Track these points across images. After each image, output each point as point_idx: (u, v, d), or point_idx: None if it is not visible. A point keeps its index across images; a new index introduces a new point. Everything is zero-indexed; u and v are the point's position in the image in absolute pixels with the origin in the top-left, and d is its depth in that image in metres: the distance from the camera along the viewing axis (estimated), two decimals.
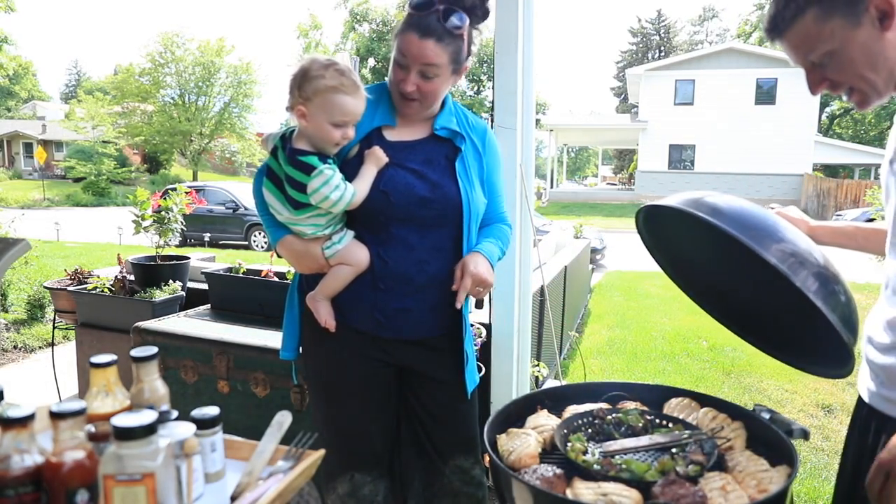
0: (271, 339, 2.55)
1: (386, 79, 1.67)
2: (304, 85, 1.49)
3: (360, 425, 1.70)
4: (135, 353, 1.08)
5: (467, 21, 1.54)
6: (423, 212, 1.60)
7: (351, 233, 1.62)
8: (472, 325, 1.83)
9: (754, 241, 1.10)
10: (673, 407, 1.45)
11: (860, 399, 1.35)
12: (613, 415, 1.39)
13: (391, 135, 1.65)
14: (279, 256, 1.68)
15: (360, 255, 1.59)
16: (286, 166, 1.52)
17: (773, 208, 1.52)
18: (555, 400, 1.49)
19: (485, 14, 1.58)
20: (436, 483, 1.77)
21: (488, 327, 2.54)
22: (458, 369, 1.73)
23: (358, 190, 1.54)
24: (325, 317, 1.63)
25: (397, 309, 1.63)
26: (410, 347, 1.70)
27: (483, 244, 1.66)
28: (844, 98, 1.22)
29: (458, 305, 1.57)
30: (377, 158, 1.58)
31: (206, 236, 13.48)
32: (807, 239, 1.17)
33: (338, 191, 1.49)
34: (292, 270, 3.03)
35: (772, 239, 1.12)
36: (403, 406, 1.78)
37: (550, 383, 3.26)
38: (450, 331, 1.71)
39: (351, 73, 1.51)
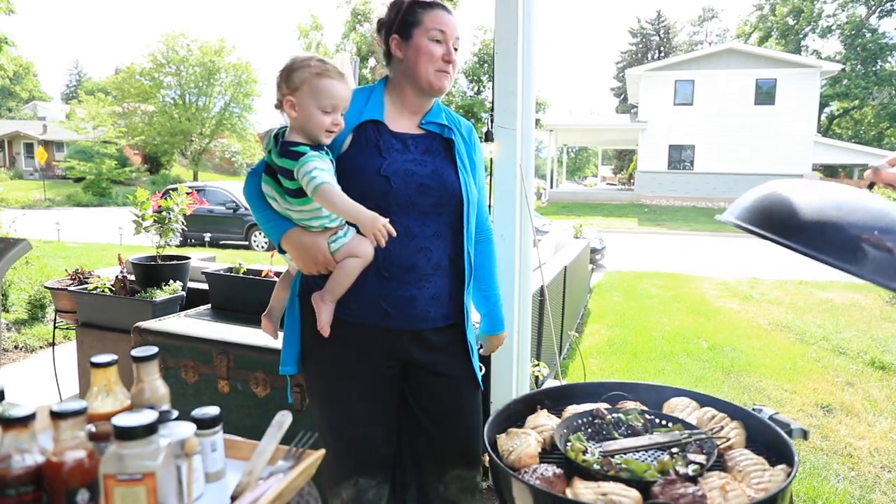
0: (271, 339, 2.54)
1: (375, 82, 1.72)
2: (291, 76, 1.51)
3: (365, 429, 1.67)
4: (135, 352, 1.08)
5: None
6: (422, 198, 1.62)
7: (354, 227, 1.60)
8: (474, 323, 1.83)
9: (808, 246, 1.04)
10: (672, 407, 1.46)
11: None
12: (613, 414, 1.40)
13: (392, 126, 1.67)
14: (282, 252, 1.64)
15: (365, 247, 1.58)
16: (278, 159, 1.51)
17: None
18: (555, 400, 1.50)
19: None
20: (431, 491, 1.75)
21: None
22: (464, 363, 1.73)
23: (332, 185, 1.45)
24: (325, 321, 1.58)
25: (403, 297, 1.62)
26: (417, 339, 1.67)
27: (497, 310, 1.87)
28: None
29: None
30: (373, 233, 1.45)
31: (207, 236, 13.47)
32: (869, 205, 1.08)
33: (317, 171, 1.44)
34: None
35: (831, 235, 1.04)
36: (405, 412, 1.76)
37: (550, 383, 3.26)
38: (455, 321, 1.71)
39: (333, 62, 1.54)
